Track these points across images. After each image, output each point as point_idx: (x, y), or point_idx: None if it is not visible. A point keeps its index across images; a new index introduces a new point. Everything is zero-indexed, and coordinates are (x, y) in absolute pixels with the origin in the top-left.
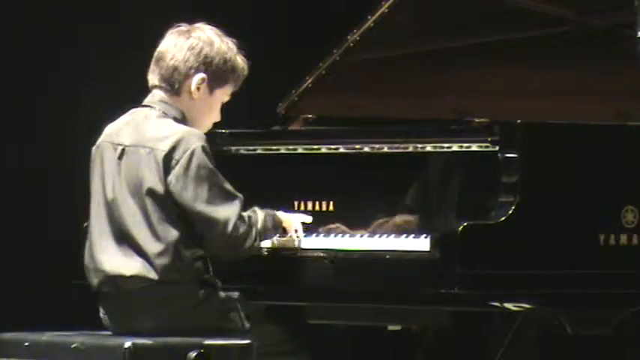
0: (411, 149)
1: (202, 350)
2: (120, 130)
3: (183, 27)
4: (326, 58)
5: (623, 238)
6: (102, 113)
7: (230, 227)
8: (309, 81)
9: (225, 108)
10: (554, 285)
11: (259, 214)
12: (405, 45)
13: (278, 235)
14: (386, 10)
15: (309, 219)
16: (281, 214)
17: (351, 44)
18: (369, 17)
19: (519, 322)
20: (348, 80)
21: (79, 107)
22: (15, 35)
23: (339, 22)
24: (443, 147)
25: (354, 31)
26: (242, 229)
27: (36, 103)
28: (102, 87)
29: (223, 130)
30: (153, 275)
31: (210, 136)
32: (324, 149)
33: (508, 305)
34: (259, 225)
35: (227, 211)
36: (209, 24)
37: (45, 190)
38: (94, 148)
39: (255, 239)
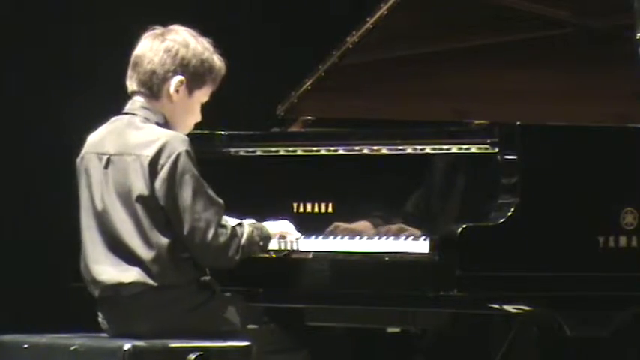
0: (410, 151)
1: (202, 352)
2: (103, 140)
3: (158, 30)
4: (325, 59)
5: (623, 240)
6: (103, 114)
7: (210, 234)
8: (309, 83)
9: (224, 110)
10: (554, 287)
11: (245, 228)
12: (405, 47)
13: (278, 236)
14: (385, 12)
15: (297, 235)
16: (270, 227)
17: (350, 46)
18: (368, 19)
19: (518, 324)
20: (348, 82)
21: (80, 108)
22: (14, 35)
23: (339, 24)
24: (442, 149)
25: (353, 32)
26: (223, 237)
27: (36, 104)
28: (105, 87)
29: (222, 132)
30: (150, 281)
31: (209, 137)
32: (323, 151)
33: (507, 307)
34: (244, 239)
35: (208, 218)
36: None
37: (45, 191)
38: (78, 159)
39: (238, 251)
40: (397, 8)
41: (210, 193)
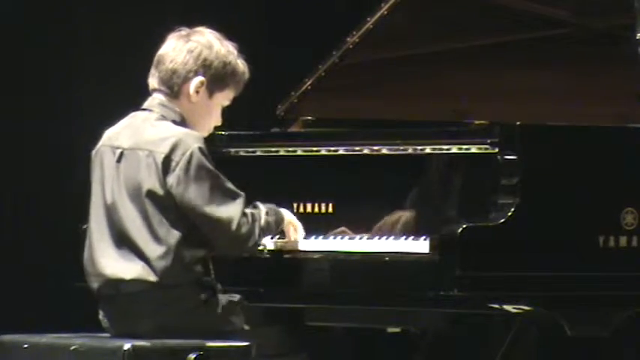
0: (410, 151)
1: (202, 352)
2: (119, 134)
3: (184, 31)
4: (325, 59)
5: (623, 240)
6: (103, 114)
7: (234, 226)
8: (309, 83)
9: (224, 110)
10: (554, 287)
11: (262, 210)
12: (405, 47)
13: (278, 236)
14: (385, 12)
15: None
16: (284, 211)
17: (351, 46)
18: (368, 19)
19: (519, 323)
20: (348, 82)
21: (80, 108)
22: (14, 35)
23: (339, 24)
24: (442, 149)
25: (354, 32)
26: (245, 227)
27: (36, 104)
28: (105, 88)
29: (223, 132)
30: (153, 278)
31: (209, 137)
32: (323, 151)
33: (507, 307)
34: (262, 221)
35: (230, 210)
36: (209, 26)
37: (45, 191)
38: (93, 152)
39: (259, 235)
40: (397, 8)
41: (229, 185)
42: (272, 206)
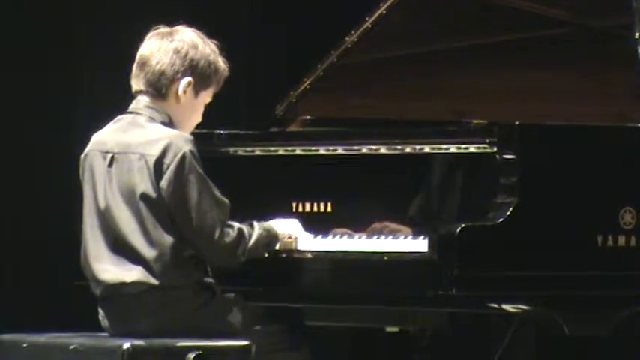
0: (409, 151)
1: (201, 352)
2: (107, 138)
3: (163, 30)
4: (324, 59)
5: (621, 240)
6: (103, 114)
7: (217, 234)
8: (307, 82)
9: (223, 109)
10: (552, 286)
11: (255, 230)
12: (403, 46)
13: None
14: (384, 12)
15: (304, 235)
16: (277, 227)
17: (349, 45)
18: (367, 18)
19: (517, 323)
20: (346, 82)
21: (80, 108)
22: (12, 37)
23: (338, 24)
24: (441, 148)
25: (352, 32)
26: (229, 237)
27: (36, 104)
28: (103, 88)
29: (222, 132)
30: (153, 280)
31: (208, 137)
32: (322, 150)
33: (506, 306)
34: (251, 241)
35: (214, 218)
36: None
37: (45, 190)
38: (82, 157)
39: (245, 253)
40: (396, 8)
41: (216, 192)
42: (266, 224)
